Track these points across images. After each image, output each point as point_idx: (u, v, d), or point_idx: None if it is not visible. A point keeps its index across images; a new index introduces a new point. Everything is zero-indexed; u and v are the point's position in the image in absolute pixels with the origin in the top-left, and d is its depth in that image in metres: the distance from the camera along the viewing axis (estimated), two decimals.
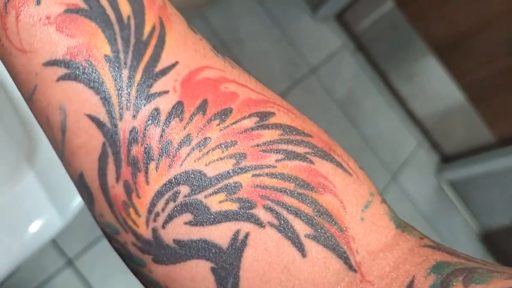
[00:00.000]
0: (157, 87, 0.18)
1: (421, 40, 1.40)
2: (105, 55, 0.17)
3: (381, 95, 1.52)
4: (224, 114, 0.18)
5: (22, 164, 0.46)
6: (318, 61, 1.42)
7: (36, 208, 0.45)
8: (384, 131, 1.49)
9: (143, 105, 0.18)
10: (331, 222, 0.18)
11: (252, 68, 1.28)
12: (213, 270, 0.18)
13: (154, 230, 0.18)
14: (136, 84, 0.18)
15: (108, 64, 0.17)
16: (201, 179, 0.18)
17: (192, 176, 0.18)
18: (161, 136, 0.18)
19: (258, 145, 0.18)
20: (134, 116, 0.17)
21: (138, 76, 0.18)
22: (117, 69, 0.17)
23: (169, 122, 0.18)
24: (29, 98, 0.18)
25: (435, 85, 1.47)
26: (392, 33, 1.46)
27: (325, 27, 1.46)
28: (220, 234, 0.18)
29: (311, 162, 0.19)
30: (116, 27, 0.18)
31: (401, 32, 1.43)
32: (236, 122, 0.18)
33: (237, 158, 0.18)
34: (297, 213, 0.18)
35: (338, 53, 1.47)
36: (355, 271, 0.18)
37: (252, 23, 1.33)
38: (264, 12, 1.36)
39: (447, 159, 1.56)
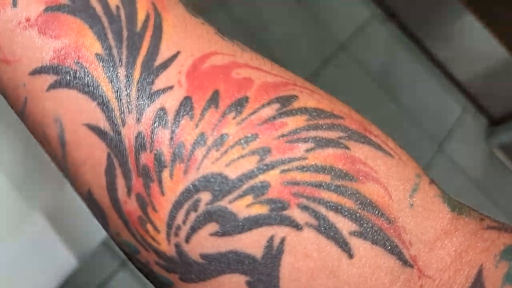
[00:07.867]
0: (160, 83, 0.16)
1: None
2: (97, 54, 0.16)
3: (419, 62, 1.46)
4: (239, 104, 0.16)
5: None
6: (348, 36, 1.38)
7: (51, 247, 0.45)
8: (425, 100, 1.43)
9: (146, 105, 0.16)
10: (377, 214, 0.16)
11: (280, 51, 1.26)
12: (248, 284, 0.16)
13: (177, 246, 0.16)
14: (135, 83, 0.16)
15: (101, 63, 0.16)
16: (222, 183, 0.16)
17: (212, 180, 0.16)
18: (171, 138, 0.16)
19: (283, 136, 0.16)
20: (138, 120, 0.16)
21: (136, 74, 0.16)
22: (112, 69, 0.16)
23: (178, 121, 0.16)
24: (21, 112, 0.17)
25: (476, 45, 1.39)
26: None
27: None
28: (252, 243, 0.16)
29: (346, 147, 0.16)
30: (105, 20, 0.16)
31: None
32: (254, 112, 0.16)
33: (260, 154, 0.16)
34: (337, 208, 0.16)
35: (368, 24, 1.42)
36: (411, 266, 0.16)
37: (274, 5, 1.30)
38: None
39: (496, 122, 1.49)
